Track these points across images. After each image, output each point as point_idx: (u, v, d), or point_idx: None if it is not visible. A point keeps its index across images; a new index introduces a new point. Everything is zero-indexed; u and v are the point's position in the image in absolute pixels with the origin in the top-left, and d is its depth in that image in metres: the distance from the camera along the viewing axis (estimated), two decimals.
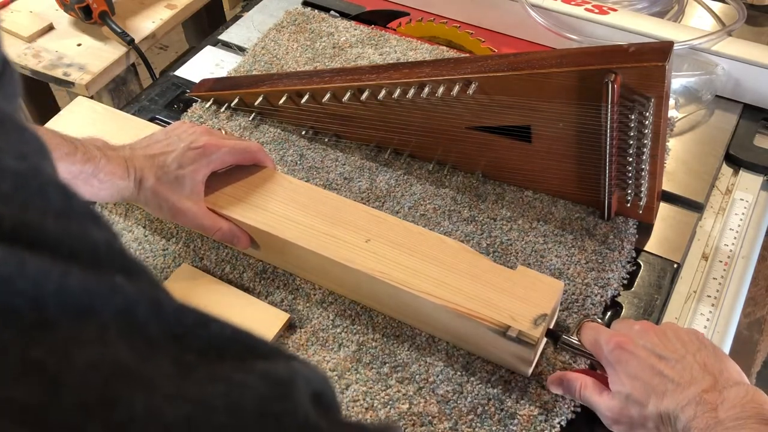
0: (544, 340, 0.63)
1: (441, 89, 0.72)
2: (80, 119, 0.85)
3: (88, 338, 0.20)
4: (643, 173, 0.70)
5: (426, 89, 0.73)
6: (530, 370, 0.63)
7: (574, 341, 0.62)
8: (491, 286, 0.62)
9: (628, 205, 0.73)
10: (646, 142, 0.67)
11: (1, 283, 0.19)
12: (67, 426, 0.18)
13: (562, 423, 0.61)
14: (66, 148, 0.61)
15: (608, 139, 0.68)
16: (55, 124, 0.84)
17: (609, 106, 0.65)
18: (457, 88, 0.71)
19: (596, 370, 0.61)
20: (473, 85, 0.70)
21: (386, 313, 0.68)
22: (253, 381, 0.21)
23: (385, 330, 0.67)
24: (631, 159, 0.70)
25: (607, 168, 0.70)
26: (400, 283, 0.63)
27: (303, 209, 0.69)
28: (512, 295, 0.62)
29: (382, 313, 0.68)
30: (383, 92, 0.76)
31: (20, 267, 0.19)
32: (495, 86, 0.70)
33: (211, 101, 0.88)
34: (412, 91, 0.74)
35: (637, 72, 0.64)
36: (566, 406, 0.62)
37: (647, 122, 0.66)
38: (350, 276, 0.66)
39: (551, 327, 0.65)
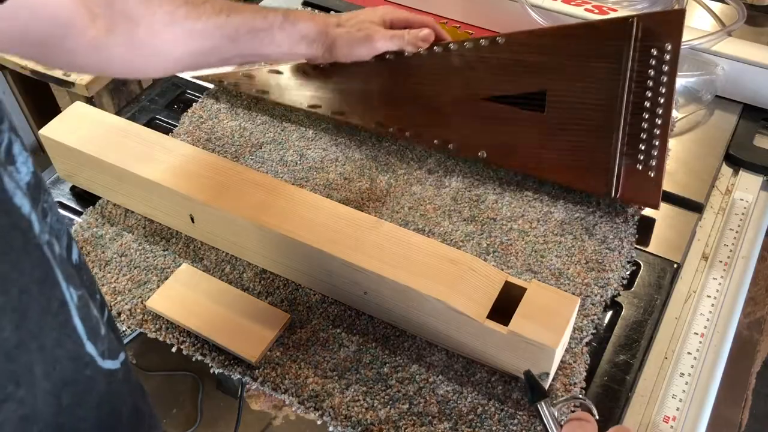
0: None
1: (469, 44, 0.75)
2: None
3: None
4: (654, 139, 0.71)
5: (453, 46, 0.77)
6: None
7: (548, 413, 0.53)
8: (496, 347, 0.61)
9: (639, 168, 0.73)
10: (660, 100, 0.69)
11: None
12: None
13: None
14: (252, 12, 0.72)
15: (625, 92, 0.70)
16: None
17: (632, 44, 0.68)
18: (485, 42, 0.74)
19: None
20: (500, 39, 0.74)
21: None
22: None
23: (385, 330, 0.67)
24: (646, 116, 0.71)
25: (621, 129, 0.71)
26: None
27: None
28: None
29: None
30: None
31: None
32: (521, 43, 0.73)
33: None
34: (440, 49, 0.77)
35: (657, 17, 0.68)
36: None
37: (663, 77, 0.68)
38: None
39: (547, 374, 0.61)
